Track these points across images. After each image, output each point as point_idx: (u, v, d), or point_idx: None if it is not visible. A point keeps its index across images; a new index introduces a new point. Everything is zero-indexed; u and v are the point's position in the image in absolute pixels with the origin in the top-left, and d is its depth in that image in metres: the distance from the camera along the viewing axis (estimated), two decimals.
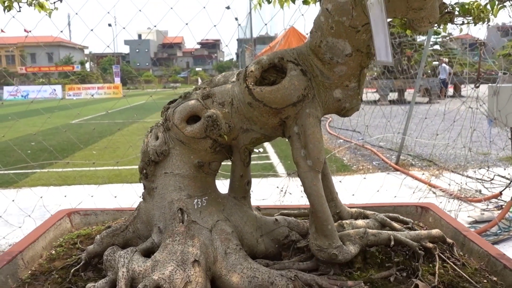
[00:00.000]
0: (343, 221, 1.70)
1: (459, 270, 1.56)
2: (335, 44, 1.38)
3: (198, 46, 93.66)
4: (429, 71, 20.96)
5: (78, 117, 19.33)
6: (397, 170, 7.93)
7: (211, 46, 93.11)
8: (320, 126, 1.48)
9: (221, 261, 1.44)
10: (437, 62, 22.56)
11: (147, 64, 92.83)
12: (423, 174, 7.17)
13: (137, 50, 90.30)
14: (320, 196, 1.47)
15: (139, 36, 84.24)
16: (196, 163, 1.54)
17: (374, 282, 1.48)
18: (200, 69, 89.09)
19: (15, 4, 1.49)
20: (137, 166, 5.74)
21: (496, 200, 5.72)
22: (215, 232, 1.50)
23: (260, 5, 2.05)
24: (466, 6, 1.72)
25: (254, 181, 5.85)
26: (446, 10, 1.70)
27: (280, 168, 7.69)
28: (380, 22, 1.12)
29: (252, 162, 5.67)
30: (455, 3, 1.74)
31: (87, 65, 76.06)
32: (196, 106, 1.51)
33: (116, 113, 21.93)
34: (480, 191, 6.20)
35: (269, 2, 2.04)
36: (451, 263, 1.59)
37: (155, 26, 4.13)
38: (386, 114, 9.88)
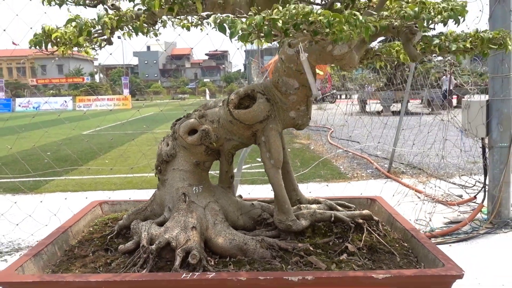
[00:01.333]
0: (301, 205, 2.37)
1: (380, 238, 2.22)
2: (288, 81, 2.06)
3: (206, 57, 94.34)
4: (434, 83, 21.32)
5: (89, 128, 19.96)
6: (388, 177, 8.52)
7: (219, 57, 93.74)
8: (279, 137, 2.15)
9: (211, 228, 2.11)
10: (443, 75, 22.92)
11: (155, 75, 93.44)
12: (402, 178, 7.77)
13: (146, 62, 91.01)
14: (280, 185, 2.14)
15: (148, 47, 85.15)
16: (195, 162, 2.23)
17: (318, 245, 2.14)
18: (208, 80, 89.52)
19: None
20: (148, 174, 6.54)
21: (474, 203, 6.29)
22: (207, 209, 2.17)
23: (245, 45, 2.71)
24: (390, 49, 2.39)
25: (254, 187, 6.61)
26: (375, 54, 2.38)
27: None
28: (309, 70, 1.78)
29: (253, 170, 6.57)
30: (381, 47, 2.41)
31: (97, 77, 76.77)
32: (194, 123, 2.19)
33: (126, 124, 22.55)
34: (461, 196, 6.79)
35: (251, 43, 2.71)
36: (376, 235, 2.24)
37: (164, 50, 4.78)
38: (378, 125, 10.45)
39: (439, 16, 1.57)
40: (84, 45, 1.94)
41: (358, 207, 2.67)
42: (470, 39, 1.75)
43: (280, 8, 1.44)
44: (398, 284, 1.74)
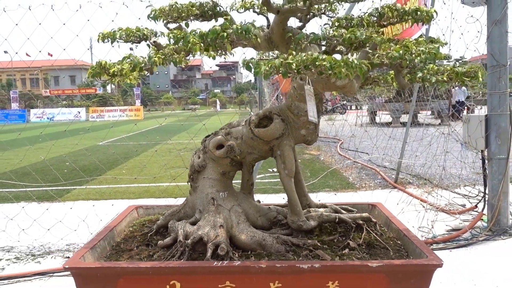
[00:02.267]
0: (310, 209, 2.79)
1: (377, 237, 2.63)
2: (299, 105, 2.50)
3: (217, 68, 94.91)
4: (445, 94, 21.49)
5: (104, 139, 20.43)
6: (395, 187, 8.86)
7: (230, 68, 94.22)
8: (292, 151, 2.58)
9: (235, 227, 2.53)
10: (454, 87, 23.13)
11: (166, 86, 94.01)
12: (408, 188, 8.11)
13: (157, 73, 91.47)
14: (292, 191, 2.57)
15: None
16: (221, 172, 2.67)
17: (324, 242, 2.56)
18: (219, 90, 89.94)
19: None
20: (164, 184, 7.07)
21: (475, 212, 6.62)
22: (232, 211, 2.60)
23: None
24: (386, 76, 2.82)
25: (267, 196, 7.06)
26: (374, 80, 2.81)
27: None
28: (311, 99, 2.22)
29: (266, 180, 7.09)
30: (379, 74, 2.84)
31: (108, 87, 77.47)
32: (221, 139, 2.64)
33: (139, 135, 22.98)
34: (464, 205, 7.13)
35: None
36: (374, 234, 2.65)
37: (183, 67, 5.22)
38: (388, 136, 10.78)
39: (419, 58, 1.99)
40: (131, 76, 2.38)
41: (361, 212, 3.08)
42: (448, 72, 2.17)
43: (294, 53, 1.87)
44: (389, 271, 2.15)
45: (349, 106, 36.47)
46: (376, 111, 24.12)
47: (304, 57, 1.77)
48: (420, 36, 8.63)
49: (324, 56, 1.79)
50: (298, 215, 2.58)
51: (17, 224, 6.18)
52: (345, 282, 2.16)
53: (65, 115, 41.95)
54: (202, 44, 2.07)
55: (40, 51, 5.45)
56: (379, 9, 2.24)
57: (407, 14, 2.25)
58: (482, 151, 6.48)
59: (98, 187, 9.64)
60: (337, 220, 2.67)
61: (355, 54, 2.42)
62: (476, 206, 6.84)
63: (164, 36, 2.47)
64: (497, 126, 5.99)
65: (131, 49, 2.80)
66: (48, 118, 43.29)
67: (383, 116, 23.82)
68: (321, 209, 2.81)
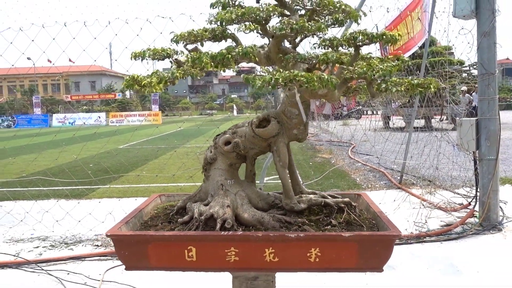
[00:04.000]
0: (302, 195, 3.40)
1: (356, 217, 3.22)
2: (291, 110, 3.12)
3: (234, 74, 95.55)
4: (459, 98, 21.84)
5: (124, 143, 21.17)
6: (399, 187, 9.40)
7: (247, 73, 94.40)
8: (285, 147, 3.20)
9: (239, 208, 3.15)
10: (465, 88, 23.42)
11: (184, 91, 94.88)
12: (411, 188, 8.63)
13: None
14: (286, 179, 3.19)
15: None
16: (229, 163, 3.30)
17: (312, 220, 3.16)
18: (236, 96, 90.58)
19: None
20: (181, 184, 7.91)
21: (469, 209, 7.14)
22: (237, 195, 3.23)
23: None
24: (365, 86, 3.41)
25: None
26: (355, 89, 3.41)
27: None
28: (301, 105, 2.84)
29: (277, 181, 7.84)
30: (359, 84, 3.43)
31: (127, 93, 78.60)
32: (229, 137, 3.27)
33: (158, 139, 23.63)
34: (462, 203, 7.66)
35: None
36: (353, 215, 3.25)
37: (199, 77, 5.89)
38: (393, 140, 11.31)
39: (378, 73, 2.59)
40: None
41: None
42: (405, 84, 2.76)
43: (281, 70, 2.50)
44: (359, 240, 2.74)
45: (364, 111, 36.84)
46: (390, 116, 24.53)
47: (287, 74, 2.39)
48: (422, 46, 9.19)
49: (303, 73, 2.40)
50: (291, 199, 3.19)
51: (51, 216, 6.88)
52: (324, 249, 2.76)
53: (86, 120, 43.15)
54: (212, 63, 2.71)
55: (71, 64, 6.13)
56: (353, 34, 2.84)
57: (375, 37, 2.85)
58: (473, 153, 7.02)
59: (120, 186, 10.33)
60: (323, 203, 3.27)
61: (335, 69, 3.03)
62: (469, 203, 7.37)
63: (183, 55, 3.12)
64: (486, 129, 6.54)
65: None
66: (69, 123, 44.49)
67: (397, 121, 24.21)
68: (311, 195, 3.42)
